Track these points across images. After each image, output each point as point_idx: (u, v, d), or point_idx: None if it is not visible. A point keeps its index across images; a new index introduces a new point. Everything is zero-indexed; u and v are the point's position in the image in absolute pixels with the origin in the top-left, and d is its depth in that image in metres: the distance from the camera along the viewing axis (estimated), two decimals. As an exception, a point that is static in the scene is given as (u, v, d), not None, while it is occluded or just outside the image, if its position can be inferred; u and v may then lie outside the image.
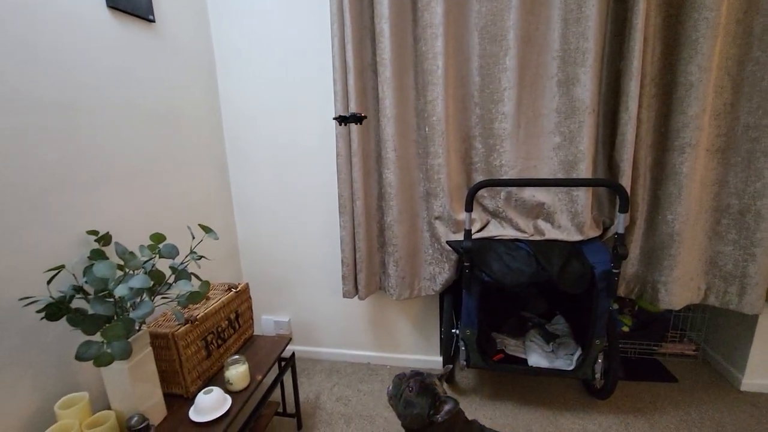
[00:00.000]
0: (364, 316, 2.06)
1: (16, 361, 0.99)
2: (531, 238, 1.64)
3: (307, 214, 1.97)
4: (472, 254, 1.55)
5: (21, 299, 0.94)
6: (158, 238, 1.17)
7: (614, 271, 1.43)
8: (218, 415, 1.15)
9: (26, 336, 1.01)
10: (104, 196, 1.27)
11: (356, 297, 1.85)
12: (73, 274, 1.01)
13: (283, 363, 1.57)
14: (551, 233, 1.62)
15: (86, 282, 0.97)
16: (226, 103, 1.91)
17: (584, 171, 1.56)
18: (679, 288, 1.61)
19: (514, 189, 1.67)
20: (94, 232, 1.17)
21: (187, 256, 1.17)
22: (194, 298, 1.07)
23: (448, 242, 1.67)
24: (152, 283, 0.98)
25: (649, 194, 1.65)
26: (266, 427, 1.55)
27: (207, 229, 1.19)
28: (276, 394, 1.56)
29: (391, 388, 1.15)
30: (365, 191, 1.74)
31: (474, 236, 1.64)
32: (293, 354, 1.61)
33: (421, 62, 1.61)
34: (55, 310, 0.93)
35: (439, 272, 1.78)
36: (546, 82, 1.58)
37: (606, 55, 1.55)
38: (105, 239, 1.18)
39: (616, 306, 2.03)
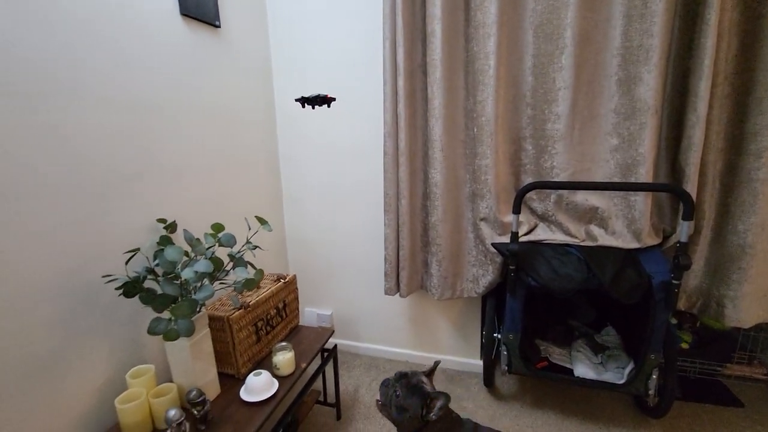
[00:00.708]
0: (404, 314, 2.08)
1: (96, 332, 1.11)
2: (582, 244, 1.57)
3: (352, 212, 2.02)
4: (518, 257, 1.51)
5: (104, 276, 1.05)
6: (218, 227, 1.26)
7: (674, 282, 1.34)
8: (266, 397, 1.22)
9: (105, 311, 1.13)
10: (171, 188, 1.38)
11: (398, 294, 1.87)
12: (147, 257, 1.11)
13: (325, 354, 1.62)
14: (605, 239, 1.55)
15: (157, 264, 1.07)
16: (281, 104, 2.00)
17: (644, 175, 1.48)
18: (750, 304, 1.48)
19: (565, 192, 1.62)
20: (162, 220, 1.28)
21: (243, 246, 1.24)
22: (249, 284, 1.14)
23: (493, 244, 1.65)
24: (213, 268, 1.06)
25: (717, 202, 1.53)
26: (308, 413, 1.61)
27: (262, 221, 1.26)
28: (318, 384, 1.62)
29: (379, 396, 1.11)
30: (411, 190, 1.76)
31: (521, 239, 1.60)
32: (335, 346, 1.66)
33: (472, 62, 1.60)
34: (130, 288, 1.03)
35: (482, 274, 1.76)
36: (604, 81, 1.52)
37: (672, 53, 1.46)
38: (171, 227, 1.29)
39: (674, 320, 1.89)
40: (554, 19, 1.51)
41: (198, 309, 1.15)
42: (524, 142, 1.66)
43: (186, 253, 1.15)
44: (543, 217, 1.69)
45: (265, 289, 1.49)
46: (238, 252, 1.20)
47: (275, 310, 1.51)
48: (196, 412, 1.09)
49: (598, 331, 1.89)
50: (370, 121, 1.86)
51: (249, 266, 1.21)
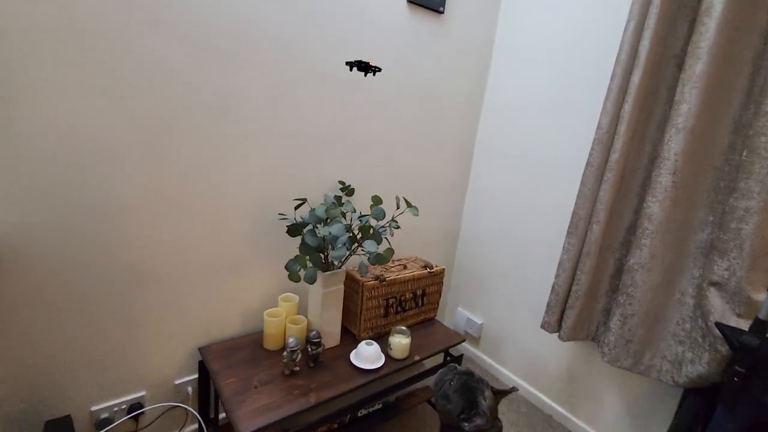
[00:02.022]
0: (564, 361, 1.70)
1: (268, 256, 1.40)
2: None
3: (535, 225, 1.75)
4: (756, 359, 0.96)
5: (280, 214, 1.31)
6: (377, 200, 1.34)
7: None
8: (369, 368, 1.26)
9: (277, 241, 1.40)
10: (359, 156, 1.55)
11: (556, 335, 1.54)
12: (312, 208, 1.30)
13: (448, 358, 1.53)
14: None
15: (308, 217, 1.24)
16: (491, 92, 1.90)
17: None
18: None
19: None
20: (342, 182, 1.46)
21: (387, 222, 1.28)
22: (379, 259, 1.18)
23: (718, 325, 1.10)
24: (349, 234, 1.15)
25: None
26: (416, 406, 1.58)
27: (409, 204, 1.26)
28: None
29: (437, 376, 1.10)
30: (610, 216, 1.37)
31: None
32: (461, 355, 1.54)
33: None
34: (293, 230, 1.24)
35: (690, 360, 1.22)
36: None
37: None
38: (348, 190, 1.46)
39: None
40: None
41: (339, 265, 1.28)
42: None
43: (343, 215, 1.29)
44: None
45: (409, 272, 1.51)
46: (381, 227, 1.24)
47: (411, 295, 1.51)
48: (310, 349, 1.24)
49: None
50: (582, 124, 1.53)
51: (386, 242, 1.24)
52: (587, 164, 1.40)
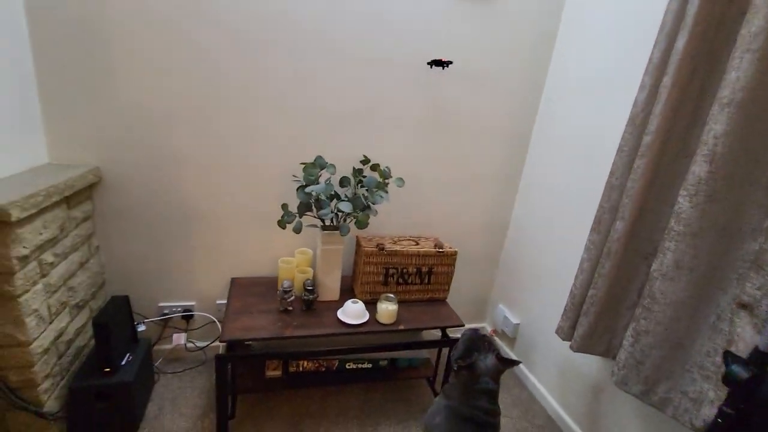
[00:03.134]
0: (590, 379, 1.48)
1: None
2: None
3: (586, 225, 1.54)
4: (746, 399, 0.73)
5: (293, 176, 1.53)
6: (374, 167, 1.44)
7: None
8: (352, 323, 1.39)
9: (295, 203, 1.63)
10: (390, 134, 1.65)
11: (568, 343, 1.37)
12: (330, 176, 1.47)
13: (445, 339, 1.52)
14: None
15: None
16: (554, 77, 1.72)
17: None
18: None
19: None
20: (365, 156, 1.59)
21: (371, 190, 1.37)
22: (358, 223, 1.29)
23: (726, 353, 0.84)
24: (331, 193, 1.29)
25: None
26: (410, 378, 1.63)
27: (382, 175, 1.31)
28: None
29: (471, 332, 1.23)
30: (639, 211, 1.15)
31: None
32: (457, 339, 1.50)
33: None
34: (298, 189, 1.43)
35: (712, 400, 0.96)
36: None
37: None
38: (371, 164, 1.57)
39: None
40: None
41: (334, 225, 1.43)
42: None
43: (342, 182, 1.44)
44: None
45: (415, 247, 1.55)
46: (363, 194, 1.35)
47: (416, 270, 1.55)
48: (304, 295, 1.43)
49: None
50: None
51: (374, 208, 1.34)
52: (618, 149, 1.20)
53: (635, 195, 1.14)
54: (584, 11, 1.57)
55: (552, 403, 1.66)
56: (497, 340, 2.08)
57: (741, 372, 0.73)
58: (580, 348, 1.32)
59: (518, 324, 1.90)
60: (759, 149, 0.92)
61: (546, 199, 1.75)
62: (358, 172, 1.54)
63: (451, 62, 1.57)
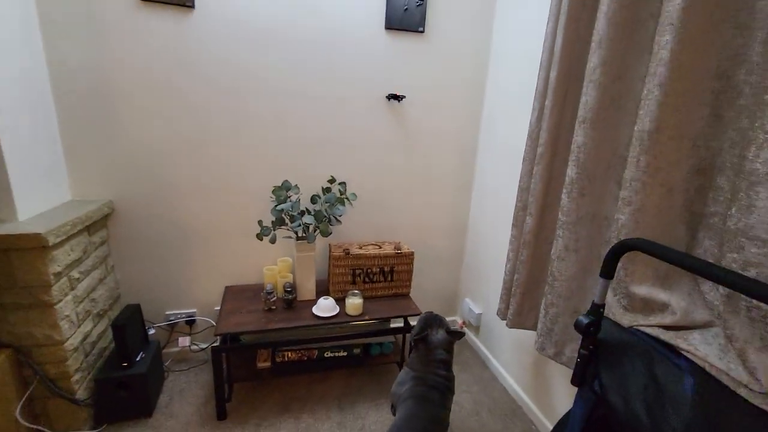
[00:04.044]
0: (532, 352, 1.73)
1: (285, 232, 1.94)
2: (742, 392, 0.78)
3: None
4: (593, 341, 0.99)
5: (271, 196, 1.83)
6: (331, 180, 1.73)
7: None
8: (324, 315, 1.67)
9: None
10: (351, 156, 1.95)
11: (505, 322, 1.63)
12: (295, 196, 1.78)
13: (405, 325, 1.78)
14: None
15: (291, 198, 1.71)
16: (491, 93, 2.02)
17: None
18: None
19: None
20: (332, 176, 1.90)
21: (331, 204, 1.66)
22: (322, 233, 1.58)
23: (576, 321, 1.09)
24: (300, 210, 1.58)
25: None
26: (386, 365, 1.89)
27: (339, 191, 1.60)
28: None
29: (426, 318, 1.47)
30: (542, 208, 1.43)
31: (650, 326, 0.99)
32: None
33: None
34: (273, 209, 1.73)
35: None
36: None
37: None
38: (336, 183, 1.88)
39: None
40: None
41: (306, 237, 1.72)
42: (719, 175, 0.92)
43: (313, 199, 1.73)
44: (715, 316, 0.92)
45: (376, 250, 1.84)
46: (324, 206, 1.64)
47: (378, 269, 1.83)
48: (285, 296, 1.72)
49: None
50: (540, 119, 1.58)
51: (333, 220, 1.63)
52: (523, 159, 1.48)
53: (537, 195, 1.41)
54: (506, 45, 1.87)
55: (507, 378, 1.90)
56: (448, 320, 2.33)
57: (582, 320, 1.00)
58: (514, 324, 1.58)
59: (480, 314, 2.16)
60: (608, 155, 1.19)
61: (491, 202, 2.03)
62: (326, 191, 1.84)
63: (404, 96, 1.87)
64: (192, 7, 1.60)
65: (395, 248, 1.88)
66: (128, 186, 1.71)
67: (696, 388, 0.81)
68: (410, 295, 1.93)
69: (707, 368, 0.83)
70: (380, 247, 1.89)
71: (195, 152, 1.75)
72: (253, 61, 1.71)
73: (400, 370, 1.93)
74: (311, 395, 1.80)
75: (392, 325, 1.85)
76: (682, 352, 0.89)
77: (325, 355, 1.81)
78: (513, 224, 1.55)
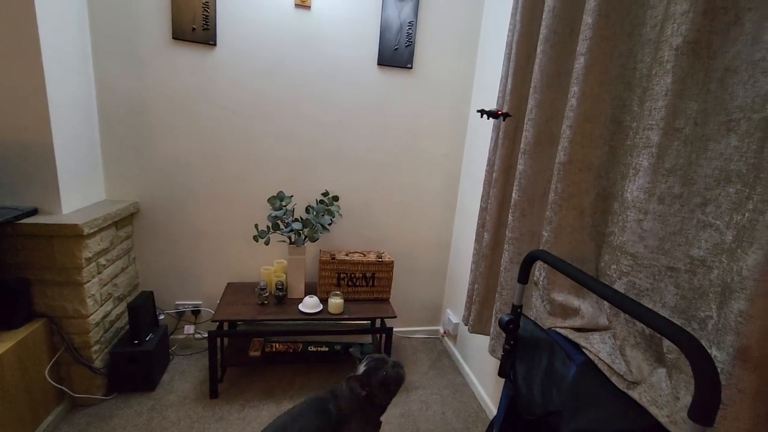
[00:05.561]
0: (492, 359, 1.89)
1: (274, 235, 2.20)
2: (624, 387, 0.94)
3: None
4: (513, 337, 1.18)
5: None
6: (325, 193, 1.98)
7: None
8: (308, 311, 1.89)
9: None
10: (347, 174, 2.21)
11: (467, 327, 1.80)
12: (293, 206, 2.04)
13: (379, 325, 1.98)
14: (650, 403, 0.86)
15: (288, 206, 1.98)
16: (473, 122, 2.25)
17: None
18: None
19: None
20: (326, 190, 2.15)
21: (319, 213, 1.91)
22: (310, 238, 1.82)
23: (499, 320, 1.27)
24: (294, 218, 1.84)
25: None
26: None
27: (335, 208, 1.85)
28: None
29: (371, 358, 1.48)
30: (496, 225, 1.62)
31: (560, 329, 1.17)
32: (390, 328, 1.96)
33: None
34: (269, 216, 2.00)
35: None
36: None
37: None
38: (330, 196, 2.14)
39: None
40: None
41: (298, 241, 1.97)
42: (614, 201, 1.11)
43: (307, 209, 1.99)
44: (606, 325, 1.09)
45: (360, 257, 2.06)
46: (316, 216, 1.89)
47: (361, 275, 2.05)
48: (276, 293, 1.96)
49: None
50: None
51: (320, 228, 1.88)
52: (483, 182, 1.69)
53: (493, 214, 1.61)
54: (486, 79, 2.11)
55: (477, 384, 2.06)
56: (431, 329, 2.49)
57: (503, 318, 1.18)
58: (475, 330, 1.75)
59: (457, 323, 2.33)
60: (543, 182, 1.39)
61: (469, 221, 2.23)
62: (320, 202, 2.10)
63: (508, 115, 2.02)
64: (215, 45, 1.93)
65: (377, 257, 2.10)
66: (152, 190, 2.02)
67: (575, 374, 0.98)
68: (389, 300, 2.13)
69: (596, 362, 1.01)
70: (365, 255, 2.12)
71: (210, 164, 2.05)
72: (262, 88, 2.02)
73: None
74: (293, 385, 2.01)
75: (370, 326, 2.05)
76: (582, 348, 1.07)
77: (309, 349, 2.03)
78: (475, 239, 1.75)
